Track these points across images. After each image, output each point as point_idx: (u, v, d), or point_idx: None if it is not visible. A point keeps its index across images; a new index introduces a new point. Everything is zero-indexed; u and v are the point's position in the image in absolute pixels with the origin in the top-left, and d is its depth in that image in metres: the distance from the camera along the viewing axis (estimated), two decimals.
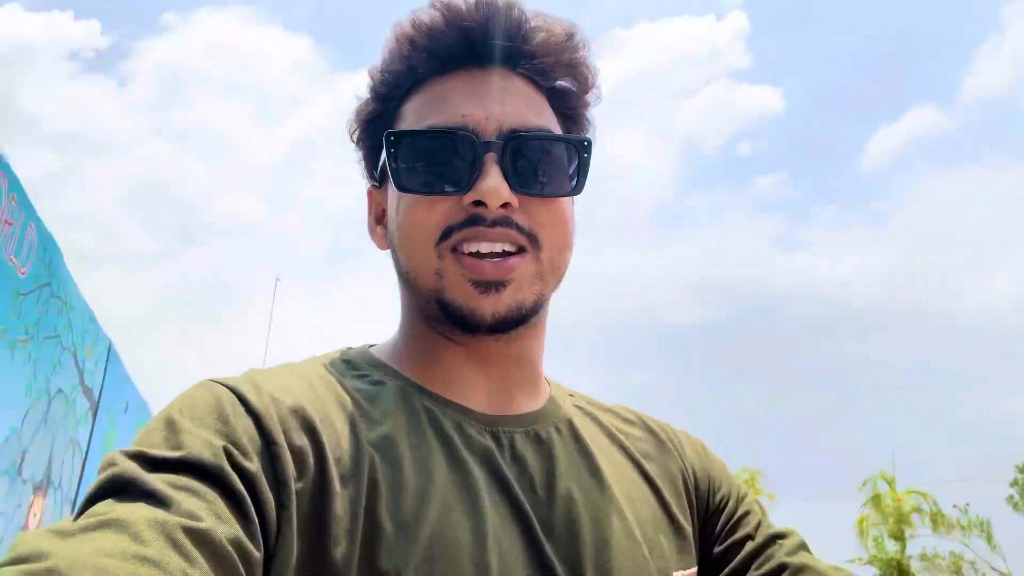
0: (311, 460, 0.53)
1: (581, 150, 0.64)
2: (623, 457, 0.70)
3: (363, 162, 0.73)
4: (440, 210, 0.61)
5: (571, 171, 0.64)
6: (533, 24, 0.66)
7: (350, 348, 0.71)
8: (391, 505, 0.54)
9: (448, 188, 0.61)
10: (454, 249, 0.61)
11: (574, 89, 0.69)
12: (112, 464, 0.47)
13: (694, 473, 0.73)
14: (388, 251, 0.69)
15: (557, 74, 0.67)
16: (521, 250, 0.62)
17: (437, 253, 0.61)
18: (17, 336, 2.53)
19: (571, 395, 0.76)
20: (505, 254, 0.61)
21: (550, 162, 0.63)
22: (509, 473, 0.61)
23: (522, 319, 0.62)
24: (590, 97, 0.71)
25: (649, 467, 0.71)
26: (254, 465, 0.49)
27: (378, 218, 0.71)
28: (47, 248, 2.66)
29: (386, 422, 0.59)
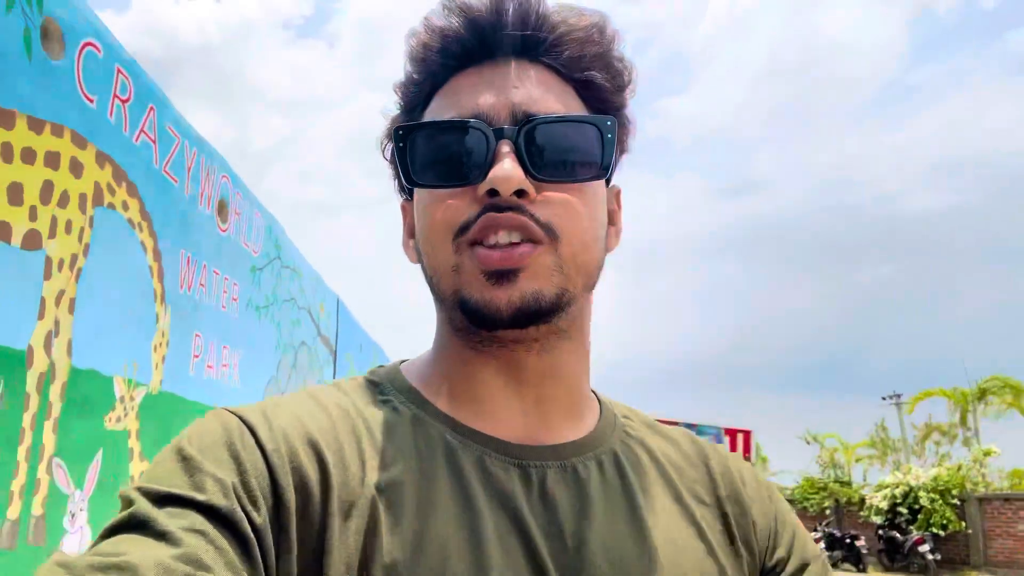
0: (315, 505, 0.50)
1: (605, 131, 0.58)
2: (673, 500, 0.62)
3: (395, 177, 0.69)
4: (456, 206, 0.57)
5: (596, 156, 0.58)
6: (555, 15, 0.60)
7: (381, 366, 0.66)
8: (385, 558, 0.50)
9: (462, 180, 0.57)
10: (472, 244, 0.56)
11: (605, 84, 0.62)
12: (129, 502, 0.46)
13: (754, 521, 0.64)
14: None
15: (584, 66, 0.61)
16: (536, 242, 0.56)
17: (455, 248, 0.57)
18: (259, 304, 2.99)
19: (626, 416, 0.68)
20: (522, 243, 0.55)
21: (570, 147, 0.58)
22: (532, 517, 0.55)
23: (541, 312, 0.56)
24: (627, 94, 0.64)
25: (702, 514, 0.62)
26: (262, 511, 0.48)
27: (411, 232, 0.67)
28: (272, 228, 3.07)
29: (398, 462, 0.55)
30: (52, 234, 1.41)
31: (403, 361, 0.67)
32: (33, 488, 1.34)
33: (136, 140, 1.77)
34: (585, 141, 0.58)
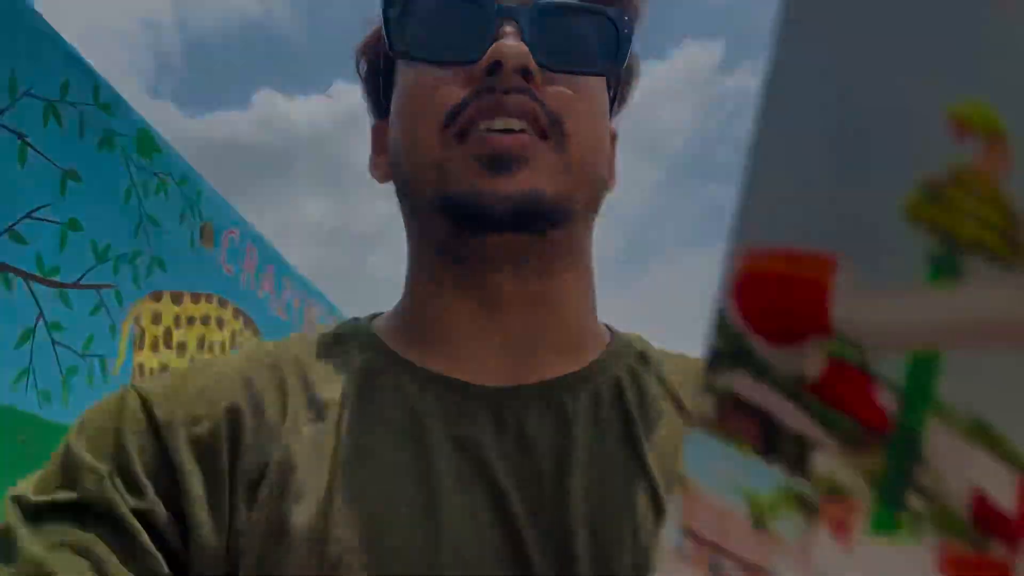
0: (222, 474, 0.42)
1: (621, 25, 0.50)
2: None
3: (369, 94, 0.59)
4: (446, 91, 0.47)
5: (608, 51, 0.50)
6: None
7: (357, 320, 0.55)
8: (297, 521, 0.40)
9: (457, 56, 0.47)
10: (462, 135, 0.46)
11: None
12: (6, 520, 0.41)
13: None
14: (388, 186, 0.55)
15: None
16: (543, 136, 0.46)
17: (441, 142, 0.46)
18: None
19: (641, 340, 0.55)
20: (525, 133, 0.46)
21: (581, 36, 0.50)
22: (500, 462, 0.44)
23: (540, 215, 0.45)
24: (632, 20, 0.57)
25: None
26: (148, 496, 0.41)
27: (380, 151, 0.56)
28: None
29: (333, 412, 0.45)
30: None
31: (378, 314, 0.56)
32: None
33: (260, 295, 2.25)
34: (596, 33, 0.50)
